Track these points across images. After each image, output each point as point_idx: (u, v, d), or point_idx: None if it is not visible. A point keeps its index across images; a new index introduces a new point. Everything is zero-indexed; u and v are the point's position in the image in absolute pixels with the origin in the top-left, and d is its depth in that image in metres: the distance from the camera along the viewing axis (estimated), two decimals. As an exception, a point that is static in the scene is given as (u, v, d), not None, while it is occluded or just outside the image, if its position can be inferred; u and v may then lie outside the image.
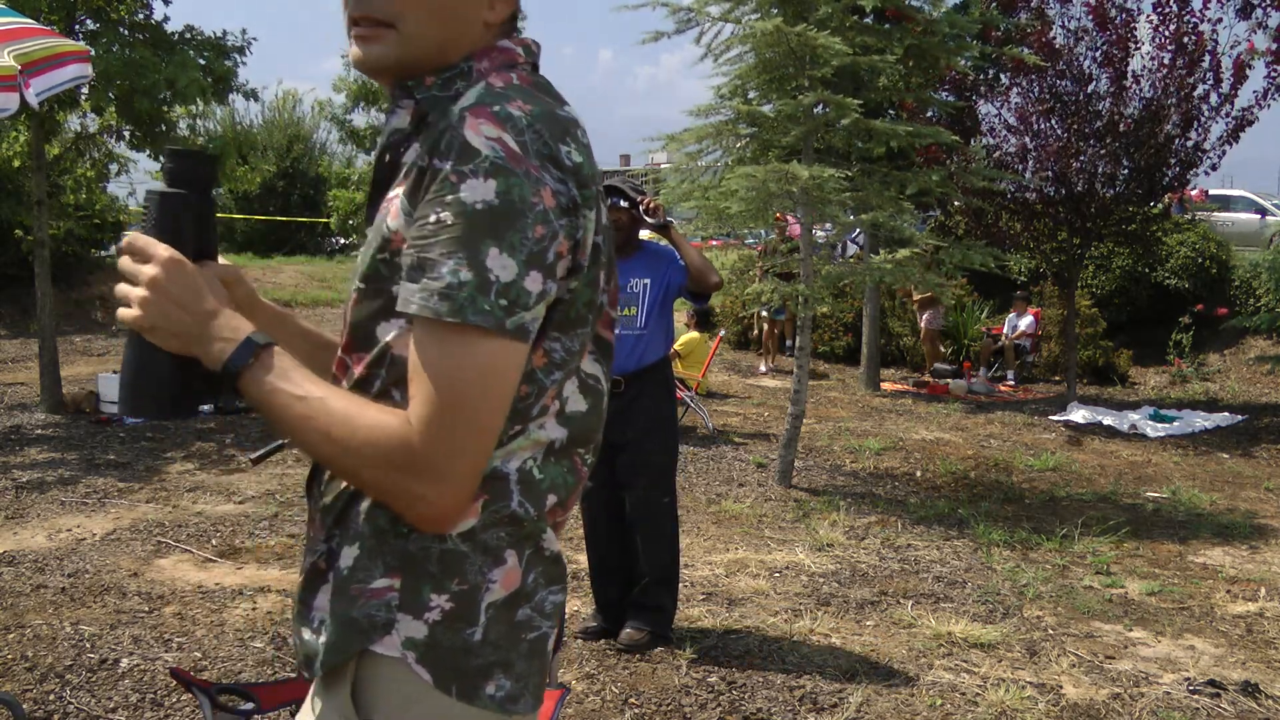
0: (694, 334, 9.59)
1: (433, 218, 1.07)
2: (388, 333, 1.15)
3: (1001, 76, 9.75)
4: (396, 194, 1.14)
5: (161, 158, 4.40)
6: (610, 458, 3.80)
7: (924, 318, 11.86)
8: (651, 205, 3.86)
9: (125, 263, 1.15)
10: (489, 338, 1.07)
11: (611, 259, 1.25)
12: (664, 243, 4.04)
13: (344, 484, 1.18)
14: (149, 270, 1.13)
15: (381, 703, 1.15)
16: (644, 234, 4.11)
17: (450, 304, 1.05)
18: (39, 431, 7.40)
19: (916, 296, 11.59)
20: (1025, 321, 11.87)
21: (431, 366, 1.07)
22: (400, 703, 1.15)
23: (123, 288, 1.15)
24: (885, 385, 11.18)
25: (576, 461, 1.25)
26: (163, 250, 1.14)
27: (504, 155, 1.07)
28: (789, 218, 7.70)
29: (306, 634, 1.19)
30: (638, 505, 3.85)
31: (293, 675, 3.44)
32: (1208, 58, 8.80)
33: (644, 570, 3.88)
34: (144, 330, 1.14)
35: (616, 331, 3.34)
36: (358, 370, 1.17)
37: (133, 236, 1.16)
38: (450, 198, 1.06)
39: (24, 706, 3.15)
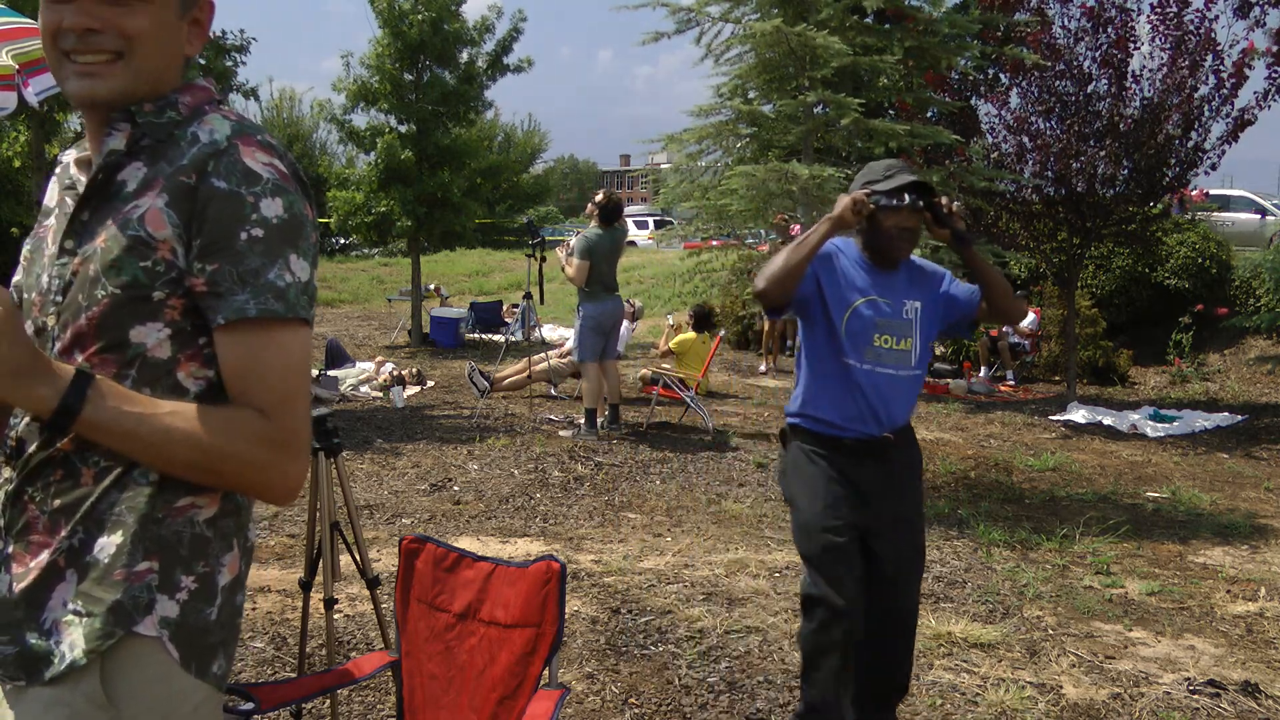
0: (690, 334, 9.59)
1: (243, 235, 1.23)
2: (144, 336, 1.26)
3: (1001, 76, 9.75)
4: (153, 206, 1.24)
5: None
6: (871, 537, 2.81)
7: None
8: (952, 207, 2.85)
9: None
10: (305, 328, 1.29)
11: None
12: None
13: (86, 483, 1.26)
14: None
15: (130, 686, 1.23)
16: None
17: (284, 303, 1.25)
18: (39, 431, 7.39)
19: None
20: (1027, 320, 11.84)
21: (274, 359, 1.25)
22: (149, 683, 1.24)
23: None
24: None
25: None
26: None
27: (278, 177, 1.27)
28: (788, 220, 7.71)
29: (33, 639, 1.23)
30: (910, 599, 2.87)
31: (293, 675, 3.44)
32: (1209, 58, 8.79)
33: (892, 684, 2.92)
34: None
35: (886, 371, 2.80)
36: (104, 372, 1.25)
37: None
38: (255, 216, 1.24)
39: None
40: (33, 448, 1.27)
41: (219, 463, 1.23)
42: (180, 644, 1.25)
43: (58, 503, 1.26)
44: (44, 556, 1.25)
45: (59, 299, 1.28)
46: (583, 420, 7.77)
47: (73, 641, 1.21)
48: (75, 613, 1.22)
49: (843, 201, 2.76)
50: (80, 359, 1.26)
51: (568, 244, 8.17)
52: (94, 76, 1.27)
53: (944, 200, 2.81)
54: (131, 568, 1.24)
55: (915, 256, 2.96)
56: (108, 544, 1.24)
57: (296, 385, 1.27)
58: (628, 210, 35.73)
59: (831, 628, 2.76)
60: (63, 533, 1.25)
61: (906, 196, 2.76)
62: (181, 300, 1.26)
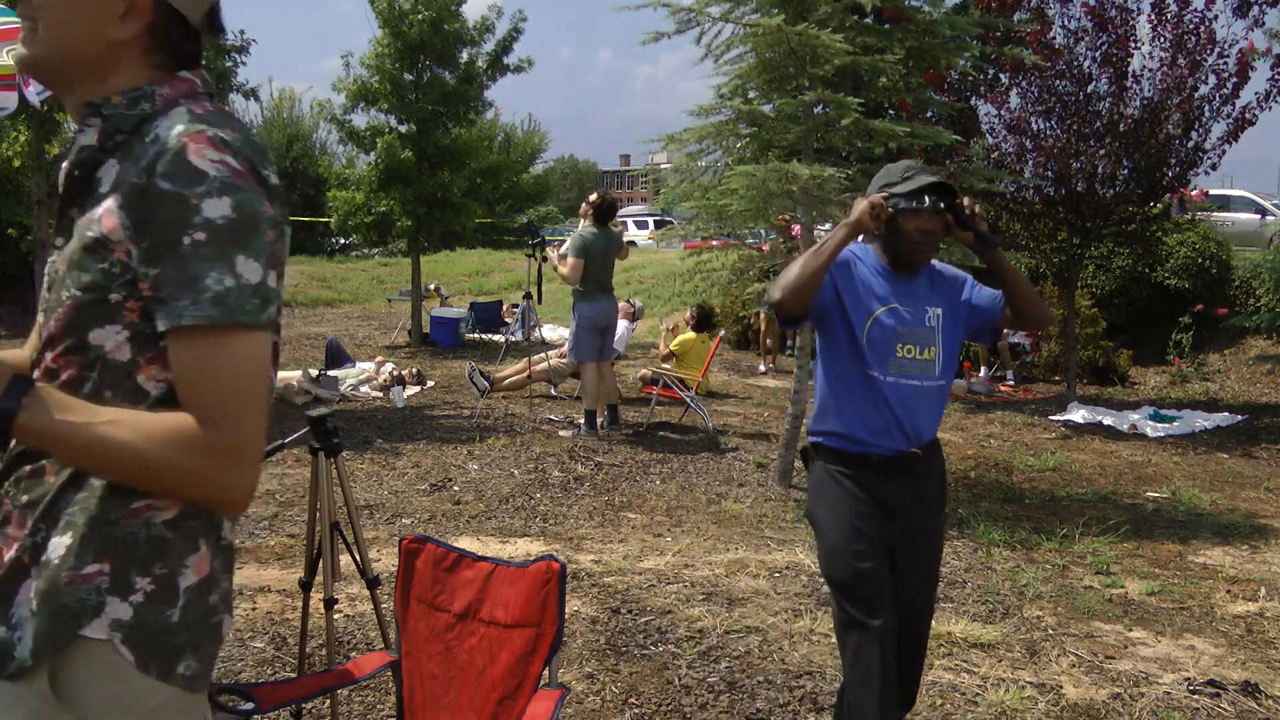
0: (690, 334, 9.58)
1: (186, 240, 1.19)
2: (103, 339, 1.24)
3: (1001, 77, 9.75)
4: (108, 207, 1.23)
5: None
6: (895, 552, 2.67)
7: None
8: (975, 209, 2.67)
9: None
10: (253, 333, 1.23)
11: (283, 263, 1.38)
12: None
13: (49, 479, 1.25)
14: None
15: (82, 687, 1.22)
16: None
17: (223, 309, 1.20)
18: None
19: None
20: None
21: (214, 366, 1.21)
22: (101, 684, 1.22)
23: None
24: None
25: None
26: None
27: (229, 174, 1.22)
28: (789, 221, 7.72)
29: (1, 632, 1.23)
30: (927, 613, 2.78)
31: (293, 675, 3.44)
32: (1210, 57, 8.79)
33: (904, 696, 2.75)
34: None
35: (911, 383, 2.63)
36: (66, 373, 1.25)
37: None
38: (198, 219, 1.19)
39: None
40: (13, 442, 1.28)
41: (156, 472, 1.20)
42: (135, 646, 1.23)
43: (25, 498, 1.27)
44: (13, 551, 1.26)
45: (47, 296, 1.30)
46: (582, 420, 7.78)
47: (25, 640, 1.22)
48: (31, 611, 1.23)
49: (860, 205, 2.61)
50: (49, 359, 1.27)
51: (558, 245, 8.22)
52: (22, 43, 1.31)
53: (966, 201, 2.65)
54: (79, 570, 1.23)
55: (934, 261, 2.80)
56: (59, 544, 1.24)
57: (242, 393, 1.22)
58: (628, 210, 35.83)
59: (867, 651, 2.62)
60: (28, 528, 1.26)
61: (927, 198, 2.60)
62: (139, 303, 1.24)
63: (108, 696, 1.22)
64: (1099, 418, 9.21)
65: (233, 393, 1.21)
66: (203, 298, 1.19)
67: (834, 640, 3.98)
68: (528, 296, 9.59)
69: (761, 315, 11.97)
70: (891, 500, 2.65)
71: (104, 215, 1.23)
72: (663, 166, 9.34)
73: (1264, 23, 8.82)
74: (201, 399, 1.21)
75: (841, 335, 2.68)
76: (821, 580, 4.69)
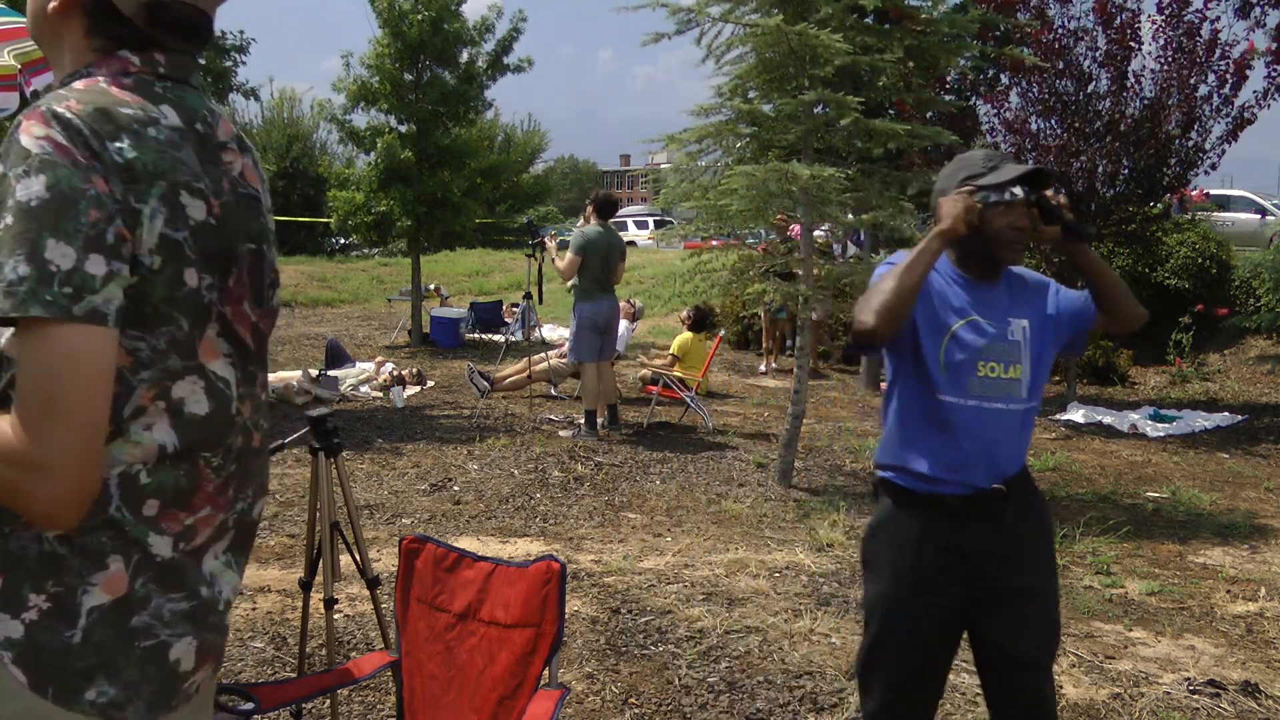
0: (688, 334, 9.58)
1: (0, 224, 1.09)
2: (2, 334, 1.17)
3: (1001, 76, 9.76)
4: None
5: None
6: (982, 614, 2.34)
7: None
8: (1060, 198, 2.31)
9: None
10: (60, 326, 1.08)
11: (223, 252, 1.25)
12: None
13: None
14: None
15: None
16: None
17: (12, 300, 1.06)
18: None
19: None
20: None
21: (18, 365, 1.09)
22: None
23: None
24: (884, 385, 11.14)
25: (199, 465, 1.26)
26: None
27: (51, 150, 1.10)
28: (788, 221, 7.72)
29: None
30: (1042, 683, 2.40)
31: (293, 675, 3.44)
32: (1213, 56, 8.80)
33: None
34: None
35: (995, 406, 2.27)
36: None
37: None
38: (10, 201, 1.09)
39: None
40: None
41: None
42: (26, 666, 1.16)
43: None
44: None
45: None
46: (582, 420, 7.78)
47: None
48: None
49: (950, 209, 2.25)
50: None
51: (554, 234, 8.32)
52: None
53: (1048, 191, 2.28)
54: None
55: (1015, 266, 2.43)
56: None
57: (47, 396, 1.08)
58: (628, 210, 35.85)
59: (887, 711, 2.37)
60: None
61: (1020, 190, 2.23)
62: None
63: (2, 716, 1.16)
64: (1099, 418, 9.22)
65: (35, 395, 1.08)
66: None
67: (833, 640, 3.98)
68: (528, 296, 9.59)
69: (762, 315, 11.97)
70: (973, 550, 2.29)
71: None
72: (663, 166, 9.35)
73: (1265, 24, 8.83)
74: (17, 400, 1.10)
75: (913, 356, 2.34)
76: (821, 580, 4.69)
